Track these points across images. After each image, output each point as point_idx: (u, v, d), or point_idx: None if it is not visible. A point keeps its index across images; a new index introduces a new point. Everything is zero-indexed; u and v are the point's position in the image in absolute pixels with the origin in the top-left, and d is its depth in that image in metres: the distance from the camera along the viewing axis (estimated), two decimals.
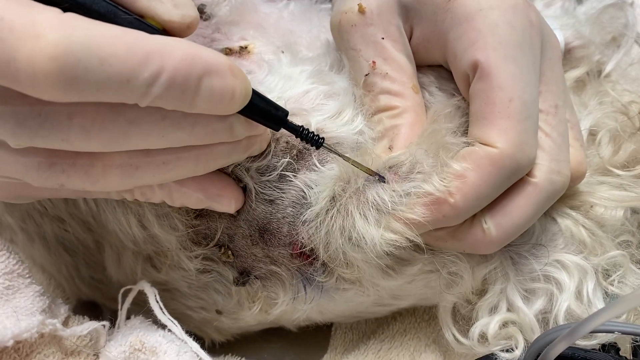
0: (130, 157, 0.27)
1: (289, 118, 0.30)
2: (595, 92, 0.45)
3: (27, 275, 0.30)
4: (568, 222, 0.36)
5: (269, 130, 0.30)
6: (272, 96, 0.32)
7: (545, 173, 0.31)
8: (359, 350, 0.41)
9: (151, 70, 0.23)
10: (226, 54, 0.35)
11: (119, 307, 0.34)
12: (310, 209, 0.33)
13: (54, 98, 0.23)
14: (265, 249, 0.34)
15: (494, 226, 0.31)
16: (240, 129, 0.29)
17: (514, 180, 0.31)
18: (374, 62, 0.33)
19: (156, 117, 0.26)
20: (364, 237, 0.31)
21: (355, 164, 0.31)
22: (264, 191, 0.33)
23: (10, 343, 0.26)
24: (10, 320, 0.27)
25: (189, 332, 0.34)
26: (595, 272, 0.36)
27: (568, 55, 0.45)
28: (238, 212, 0.33)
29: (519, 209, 0.32)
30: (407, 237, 0.31)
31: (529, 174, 0.31)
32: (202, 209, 0.34)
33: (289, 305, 0.36)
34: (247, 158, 0.32)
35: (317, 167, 0.33)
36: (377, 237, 0.31)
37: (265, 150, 0.32)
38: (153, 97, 0.24)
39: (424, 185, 0.30)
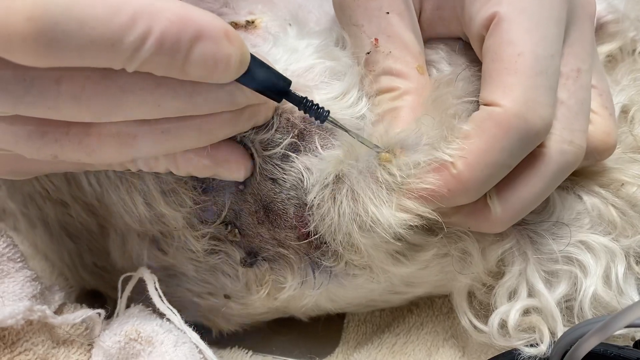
0: (127, 125, 0.27)
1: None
2: (628, 70, 0.43)
3: (19, 260, 0.30)
4: (596, 200, 0.34)
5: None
6: (279, 68, 0.31)
7: (555, 142, 0.29)
8: (372, 344, 0.39)
9: (137, 33, 0.22)
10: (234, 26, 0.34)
11: (119, 295, 0.33)
12: (314, 193, 0.32)
13: (32, 63, 0.22)
14: (272, 230, 0.33)
15: (499, 201, 0.30)
16: (242, 98, 0.28)
17: (528, 147, 0.29)
18: (376, 40, 0.31)
19: (150, 84, 0.25)
20: (375, 220, 0.30)
21: (361, 139, 0.30)
22: (266, 167, 0.32)
23: None
24: None
25: (191, 322, 0.33)
26: (625, 256, 0.33)
27: (600, 31, 0.44)
28: (245, 184, 0.33)
29: (526, 182, 0.29)
30: (420, 215, 0.29)
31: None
32: (209, 183, 0.33)
33: (296, 290, 0.35)
34: (252, 130, 0.31)
35: (319, 151, 0.32)
36: (390, 218, 0.29)
37: (268, 123, 0.31)
38: (140, 62, 0.23)
39: (433, 153, 0.28)
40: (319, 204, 0.31)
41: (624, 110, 0.39)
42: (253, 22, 0.36)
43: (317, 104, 0.30)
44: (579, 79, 0.30)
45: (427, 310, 0.41)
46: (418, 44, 0.32)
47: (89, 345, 0.31)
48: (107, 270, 0.39)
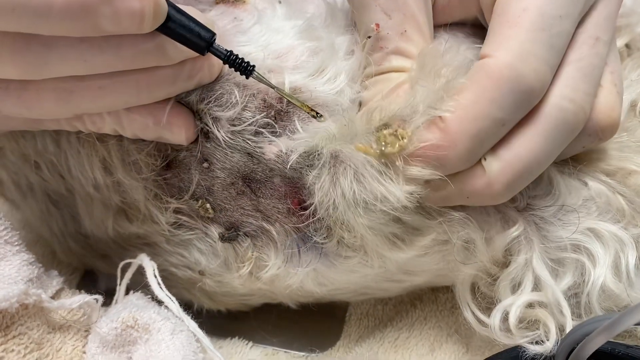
0: (64, 81, 0.28)
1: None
2: (636, 65, 0.42)
3: (16, 243, 0.30)
4: (602, 187, 0.33)
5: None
6: (253, 47, 0.32)
7: (554, 97, 0.28)
8: (374, 338, 0.39)
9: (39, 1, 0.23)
10: (217, 3, 0.34)
11: (118, 282, 0.33)
12: (304, 172, 0.32)
13: None
14: (255, 201, 0.33)
15: (495, 160, 0.28)
16: (173, 51, 0.29)
17: (521, 102, 0.28)
18: (388, 15, 0.31)
19: (72, 40, 0.26)
20: (382, 198, 0.29)
21: (289, 97, 0.31)
22: (236, 141, 0.32)
23: None
24: None
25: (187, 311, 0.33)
26: (635, 245, 0.32)
27: None
28: (209, 162, 0.33)
29: (522, 138, 0.28)
30: (425, 181, 0.29)
31: None
32: (172, 159, 0.34)
33: (280, 269, 0.35)
34: (212, 104, 0.32)
35: (299, 130, 0.32)
36: (397, 192, 0.29)
37: (233, 100, 0.32)
38: (50, 27, 0.24)
39: (430, 112, 0.28)
40: (314, 181, 0.31)
41: (633, 105, 0.39)
42: None
43: (242, 58, 0.30)
44: (594, 47, 0.29)
45: (431, 305, 0.40)
46: (429, 28, 0.32)
47: (85, 331, 0.31)
48: (90, 237, 0.40)
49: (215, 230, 0.35)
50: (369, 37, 0.32)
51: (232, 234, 0.35)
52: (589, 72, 0.29)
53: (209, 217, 0.35)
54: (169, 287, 0.34)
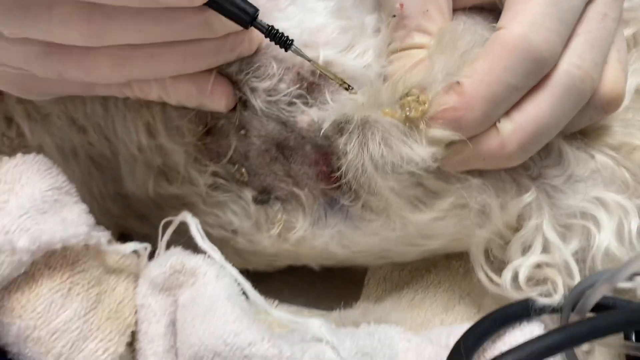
0: (119, 49, 0.31)
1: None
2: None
3: (75, 195, 0.33)
4: (608, 160, 0.36)
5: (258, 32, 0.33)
6: (289, 24, 0.35)
7: (563, 64, 0.31)
8: (391, 298, 0.42)
9: None
10: None
11: (159, 237, 0.36)
12: (334, 139, 0.35)
13: None
14: (287, 167, 0.36)
15: (508, 122, 0.31)
16: (218, 25, 0.31)
17: (532, 69, 0.30)
18: (401, 5, 0.34)
19: (131, 11, 0.29)
20: (409, 159, 0.32)
21: (325, 71, 0.34)
22: (271, 110, 0.35)
23: (59, 246, 0.28)
24: (59, 227, 0.29)
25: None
26: (638, 213, 0.35)
27: None
28: (246, 129, 0.36)
29: (534, 103, 0.31)
30: (447, 142, 0.32)
31: None
32: (212, 126, 0.37)
33: (307, 231, 0.38)
34: (250, 75, 0.35)
35: (329, 101, 0.35)
36: (422, 152, 0.32)
37: (270, 72, 0.35)
38: None
39: (448, 79, 0.31)
40: (344, 146, 0.34)
41: (638, 89, 0.42)
42: None
43: (282, 33, 0.33)
44: (602, 22, 0.32)
45: (445, 270, 0.43)
46: (449, 9, 0.35)
47: (135, 276, 0.34)
48: (129, 197, 0.43)
49: (249, 194, 0.38)
50: (394, 16, 0.34)
51: (264, 197, 0.38)
52: (596, 44, 0.32)
53: (244, 181, 0.38)
54: (189, 242, 0.37)
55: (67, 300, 0.29)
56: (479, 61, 0.31)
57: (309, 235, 0.39)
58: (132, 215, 0.44)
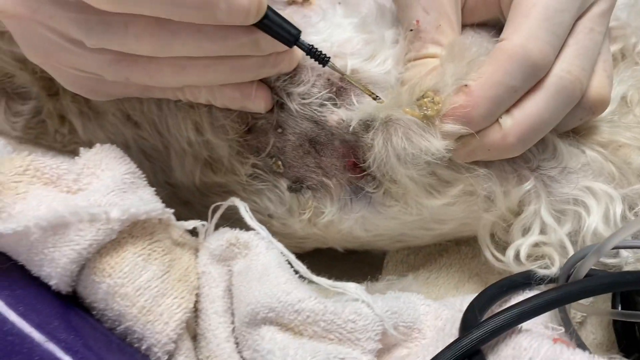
0: (179, 59, 0.37)
1: (332, 61, 0.39)
2: (628, 67, 0.50)
3: (145, 179, 0.38)
4: (597, 155, 0.42)
5: (297, 51, 0.39)
6: (320, 38, 0.41)
7: (555, 70, 0.37)
8: (408, 278, 0.47)
9: None
10: (289, 4, 0.44)
11: (209, 219, 0.41)
12: (360, 135, 0.41)
13: (106, 6, 0.33)
14: (318, 159, 0.42)
15: (509, 118, 0.37)
16: (265, 45, 0.37)
17: (529, 74, 0.36)
18: (427, 12, 0.39)
19: (192, 29, 0.35)
20: (426, 151, 0.38)
21: (357, 84, 0.40)
22: (305, 111, 0.41)
23: (143, 218, 0.34)
24: (140, 203, 0.34)
25: None
26: (623, 201, 0.41)
27: None
28: (282, 128, 0.42)
29: (530, 100, 0.37)
30: (458, 136, 0.38)
31: None
32: (252, 125, 0.43)
33: (335, 216, 0.44)
34: (287, 82, 0.41)
35: (354, 103, 0.41)
36: (438, 145, 0.37)
37: (304, 79, 0.41)
38: (181, 14, 0.33)
39: (457, 82, 0.37)
40: (370, 142, 0.40)
41: (623, 96, 0.48)
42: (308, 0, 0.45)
43: (321, 51, 0.38)
44: (589, 34, 0.38)
45: (455, 254, 0.49)
46: (458, 25, 0.40)
47: (194, 250, 0.39)
48: (176, 186, 0.48)
49: (284, 183, 0.44)
50: (411, 30, 0.40)
51: (297, 186, 0.44)
52: (584, 53, 0.37)
53: (280, 172, 0.44)
54: (241, 227, 0.42)
55: (147, 263, 0.34)
56: (485, 67, 0.36)
57: (336, 219, 0.44)
58: (178, 202, 0.49)
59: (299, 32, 0.37)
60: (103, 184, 0.35)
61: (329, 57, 0.39)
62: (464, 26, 0.42)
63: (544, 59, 0.36)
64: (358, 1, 0.46)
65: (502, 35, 0.37)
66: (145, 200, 0.35)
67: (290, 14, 0.43)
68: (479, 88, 0.36)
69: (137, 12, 0.33)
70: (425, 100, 0.38)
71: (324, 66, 0.39)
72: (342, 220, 0.44)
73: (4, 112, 0.52)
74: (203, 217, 0.42)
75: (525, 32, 0.36)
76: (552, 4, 0.36)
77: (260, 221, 0.46)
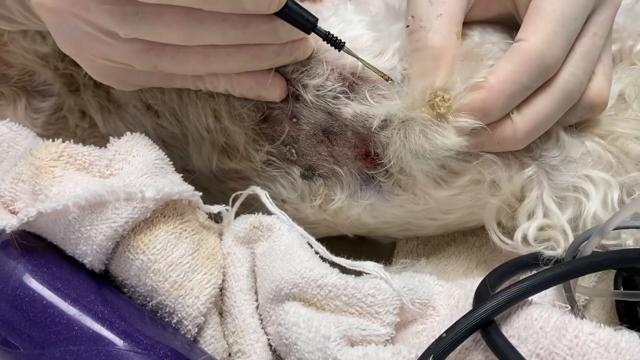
0: (204, 47, 0.39)
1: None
2: (625, 67, 0.53)
3: (172, 165, 0.40)
4: (595, 145, 0.44)
5: (310, 40, 0.41)
6: (332, 32, 0.43)
7: (562, 73, 0.40)
8: (421, 262, 0.49)
9: None
10: (301, 1, 0.45)
11: (230, 206, 0.43)
12: (374, 130, 0.43)
13: None
14: (330, 148, 0.45)
15: (518, 114, 0.40)
16: (284, 33, 0.39)
17: (542, 75, 0.39)
18: (431, 2, 0.40)
19: (218, 18, 0.37)
20: (442, 146, 0.40)
21: (370, 67, 0.42)
22: (319, 103, 0.44)
23: (176, 197, 0.36)
24: (172, 185, 0.36)
25: None
26: (620, 188, 0.43)
27: None
28: (297, 118, 0.44)
29: (539, 99, 0.40)
30: (471, 130, 0.40)
31: None
32: (268, 114, 0.45)
33: (344, 202, 0.46)
34: (303, 74, 0.43)
35: (367, 98, 0.43)
36: (453, 140, 0.40)
37: (320, 72, 0.43)
38: (211, 3, 0.36)
39: (467, 82, 0.39)
40: (386, 141, 0.42)
41: (621, 93, 0.50)
42: None
43: (337, 37, 0.40)
44: (592, 38, 0.41)
45: (463, 244, 0.51)
46: (461, 15, 0.41)
47: (219, 234, 0.41)
48: (194, 172, 0.50)
49: (296, 170, 0.47)
50: (407, 26, 0.41)
51: (309, 173, 0.46)
52: (586, 56, 0.41)
53: (293, 159, 0.47)
54: (256, 211, 0.44)
55: (179, 241, 0.36)
56: (503, 64, 0.39)
57: (345, 206, 0.47)
58: (196, 188, 0.51)
59: (316, 19, 0.40)
60: (136, 168, 0.37)
61: (344, 42, 0.41)
62: (474, 23, 0.45)
63: (557, 63, 0.39)
64: (372, 4, 0.48)
65: (521, 35, 0.39)
66: (176, 183, 0.37)
67: None
68: (500, 83, 0.39)
69: (170, 3, 0.36)
70: (436, 100, 0.40)
71: (339, 50, 0.41)
72: (352, 207, 0.47)
73: (24, 109, 0.54)
74: (220, 203, 0.44)
75: (544, 36, 0.38)
76: (569, 12, 0.39)
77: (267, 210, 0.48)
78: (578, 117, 0.44)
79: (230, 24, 0.38)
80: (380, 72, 0.42)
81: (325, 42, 0.41)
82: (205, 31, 0.38)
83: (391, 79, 0.42)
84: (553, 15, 0.39)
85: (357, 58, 0.42)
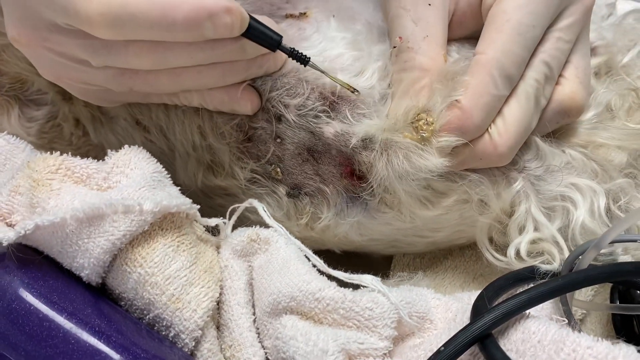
0: (174, 69, 0.40)
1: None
2: (612, 80, 0.53)
3: (169, 178, 0.40)
4: (578, 154, 0.44)
5: (282, 54, 0.41)
6: (313, 52, 0.43)
7: (526, 79, 0.40)
8: (418, 275, 0.49)
9: (168, 20, 0.35)
10: (286, 17, 0.46)
11: (227, 220, 0.43)
12: (357, 150, 0.43)
13: (107, 37, 0.37)
14: (316, 166, 0.44)
15: (494, 126, 0.40)
16: (250, 49, 0.40)
17: (507, 83, 0.39)
18: (416, 23, 0.41)
19: (184, 44, 0.38)
20: (423, 168, 0.40)
21: (334, 79, 0.42)
22: (301, 122, 0.44)
23: (174, 210, 0.36)
24: (169, 198, 0.36)
25: None
26: (607, 195, 0.43)
27: (591, 54, 0.54)
28: (281, 138, 0.44)
29: (509, 111, 0.40)
30: (453, 149, 0.40)
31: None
32: (252, 134, 0.45)
33: (331, 221, 0.45)
34: (284, 94, 0.43)
35: (348, 117, 0.43)
36: (435, 162, 0.40)
37: (300, 92, 0.43)
38: (173, 36, 0.37)
39: (447, 100, 0.39)
40: (370, 162, 0.42)
41: (607, 105, 0.50)
42: (305, 13, 0.47)
43: (301, 52, 0.40)
44: (555, 43, 0.41)
45: (459, 257, 0.51)
46: (444, 35, 0.42)
47: (216, 247, 0.41)
48: (180, 187, 0.49)
49: (282, 189, 0.46)
50: (394, 47, 0.41)
51: (295, 192, 0.46)
52: (550, 61, 0.41)
53: (278, 178, 0.46)
54: (251, 225, 0.43)
55: (177, 254, 0.36)
56: (470, 81, 0.39)
57: (332, 224, 0.46)
58: None
59: (281, 37, 0.40)
60: (134, 181, 0.37)
61: (309, 57, 0.41)
62: (450, 41, 0.44)
63: (517, 70, 0.39)
64: (352, 14, 0.48)
65: (478, 49, 0.40)
66: (174, 196, 0.37)
67: (285, 28, 0.45)
68: (469, 100, 0.39)
69: (135, 38, 0.37)
70: (420, 122, 0.40)
71: (305, 66, 0.41)
72: (339, 225, 0.46)
73: (18, 118, 0.54)
74: (209, 217, 0.43)
75: (500, 46, 0.39)
76: (525, 20, 0.39)
77: (259, 224, 0.48)
78: (555, 124, 0.43)
79: (197, 48, 0.38)
80: (345, 83, 0.42)
81: (291, 59, 0.41)
82: (173, 56, 0.39)
83: (357, 90, 0.42)
84: (508, 25, 0.39)
85: (322, 72, 0.42)
